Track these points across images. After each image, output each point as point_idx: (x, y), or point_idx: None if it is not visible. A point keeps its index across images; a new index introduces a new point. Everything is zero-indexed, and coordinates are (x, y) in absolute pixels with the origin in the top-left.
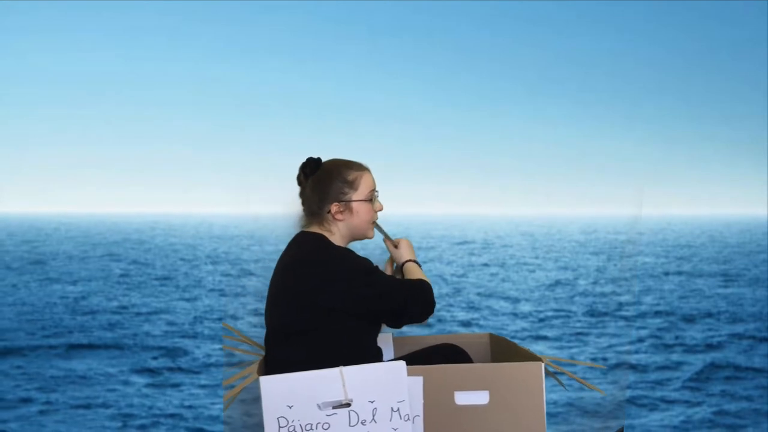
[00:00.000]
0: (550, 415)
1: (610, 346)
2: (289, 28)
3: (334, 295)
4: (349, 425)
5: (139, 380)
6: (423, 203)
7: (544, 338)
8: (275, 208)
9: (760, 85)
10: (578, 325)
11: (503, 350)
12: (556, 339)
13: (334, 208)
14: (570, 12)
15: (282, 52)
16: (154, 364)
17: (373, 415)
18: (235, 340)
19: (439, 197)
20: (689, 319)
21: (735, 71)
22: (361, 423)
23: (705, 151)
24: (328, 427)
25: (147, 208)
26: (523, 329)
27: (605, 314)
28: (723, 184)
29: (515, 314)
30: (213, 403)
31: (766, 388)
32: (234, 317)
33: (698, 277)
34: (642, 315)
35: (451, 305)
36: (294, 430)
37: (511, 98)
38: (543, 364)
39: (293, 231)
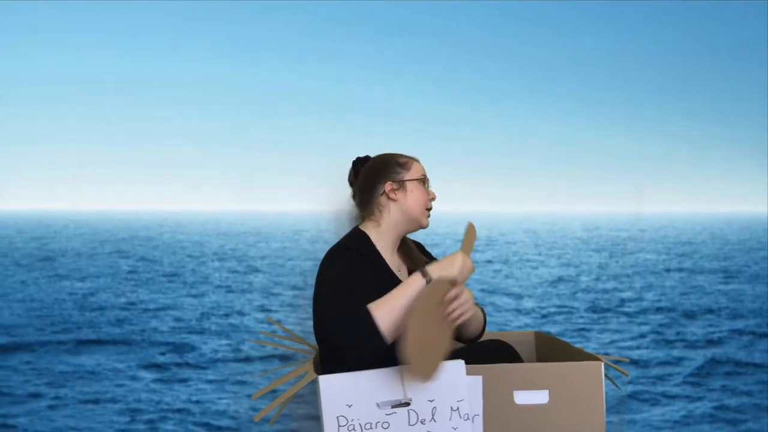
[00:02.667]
0: None
1: (611, 342)
2: (292, 27)
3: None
4: (409, 424)
5: (147, 375)
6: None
7: (547, 334)
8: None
9: (760, 85)
10: (581, 321)
11: (551, 348)
12: (559, 335)
13: (388, 186)
14: (571, 12)
15: (285, 52)
16: (161, 359)
17: (433, 415)
18: (279, 337)
19: (443, 194)
20: (690, 315)
21: (735, 71)
22: (421, 422)
23: (706, 150)
24: (388, 426)
25: (155, 206)
26: (527, 325)
27: (607, 310)
28: (723, 181)
29: (518, 310)
30: (220, 398)
31: (766, 384)
32: (241, 313)
33: (699, 273)
34: (643, 311)
35: None
36: (353, 428)
37: (513, 97)
38: (602, 364)
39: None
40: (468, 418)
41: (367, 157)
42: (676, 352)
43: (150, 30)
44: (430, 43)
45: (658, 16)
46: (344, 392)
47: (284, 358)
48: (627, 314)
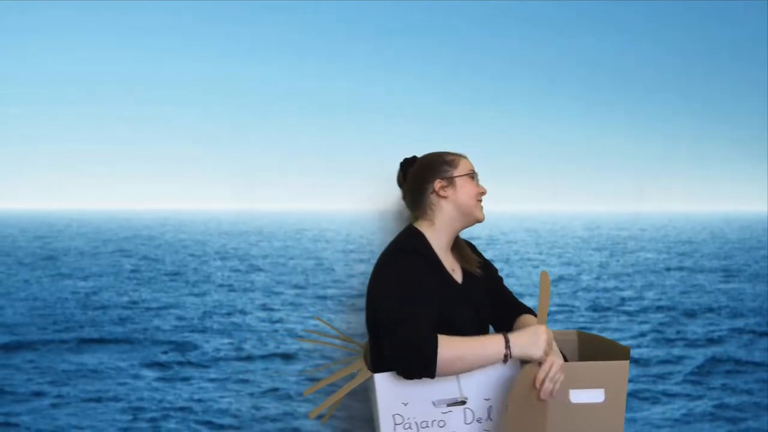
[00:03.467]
0: None
1: None
2: (296, 28)
3: (370, 302)
4: (465, 423)
5: (150, 374)
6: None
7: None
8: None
9: (760, 84)
10: (581, 319)
11: (591, 347)
12: None
13: (437, 184)
14: (572, 12)
15: (289, 52)
16: (163, 358)
17: (489, 413)
18: (327, 336)
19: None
20: (690, 314)
21: (735, 70)
22: (477, 421)
23: (706, 149)
24: (444, 424)
25: (157, 205)
26: None
27: (608, 309)
28: (723, 181)
29: None
30: (222, 397)
31: (766, 382)
32: (243, 312)
33: (699, 272)
34: (644, 310)
35: None
36: (409, 427)
37: (514, 97)
38: (627, 362)
39: (395, 227)
40: None
41: (414, 158)
42: (676, 351)
43: (154, 30)
44: (430, 43)
45: (658, 16)
46: (400, 390)
47: (331, 357)
48: (627, 313)
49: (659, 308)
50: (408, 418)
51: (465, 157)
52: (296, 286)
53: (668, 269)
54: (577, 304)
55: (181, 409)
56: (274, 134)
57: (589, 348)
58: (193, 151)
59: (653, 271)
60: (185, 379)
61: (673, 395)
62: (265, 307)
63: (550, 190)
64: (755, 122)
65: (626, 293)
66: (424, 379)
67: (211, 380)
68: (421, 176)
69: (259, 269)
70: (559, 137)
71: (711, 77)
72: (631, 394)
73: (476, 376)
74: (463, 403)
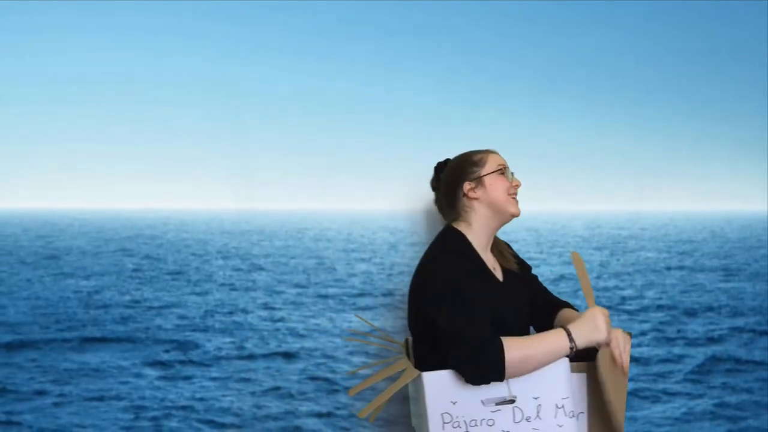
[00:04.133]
0: None
1: None
2: (298, 28)
3: (417, 302)
4: (514, 421)
5: (151, 373)
6: (430, 198)
7: None
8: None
9: (760, 84)
10: None
11: None
12: None
13: (466, 186)
14: (572, 12)
15: (291, 52)
16: (165, 357)
17: (538, 412)
18: (371, 335)
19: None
20: (691, 313)
21: (735, 70)
22: (526, 419)
23: (706, 148)
24: (493, 423)
25: (159, 204)
26: None
27: (608, 308)
28: (724, 180)
29: None
30: (224, 395)
31: (766, 381)
32: (245, 311)
33: (699, 271)
34: (644, 309)
35: None
36: (458, 426)
37: (515, 97)
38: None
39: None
40: (573, 416)
41: (446, 161)
42: (676, 350)
43: (155, 30)
44: (431, 43)
45: (659, 16)
46: (449, 389)
47: (371, 356)
48: (628, 312)
49: (660, 307)
50: (457, 417)
51: (494, 153)
52: (297, 285)
53: (669, 268)
54: (577, 303)
55: (183, 407)
56: (276, 134)
57: None
58: (195, 151)
59: (654, 270)
60: (187, 378)
61: (673, 394)
62: (266, 306)
63: (551, 190)
64: (755, 122)
65: (627, 292)
66: None
67: (213, 379)
68: (451, 180)
69: (261, 268)
70: (559, 137)
71: (711, 77)
72: (632, 393)
73: (525, 375)
74: (512, 401)
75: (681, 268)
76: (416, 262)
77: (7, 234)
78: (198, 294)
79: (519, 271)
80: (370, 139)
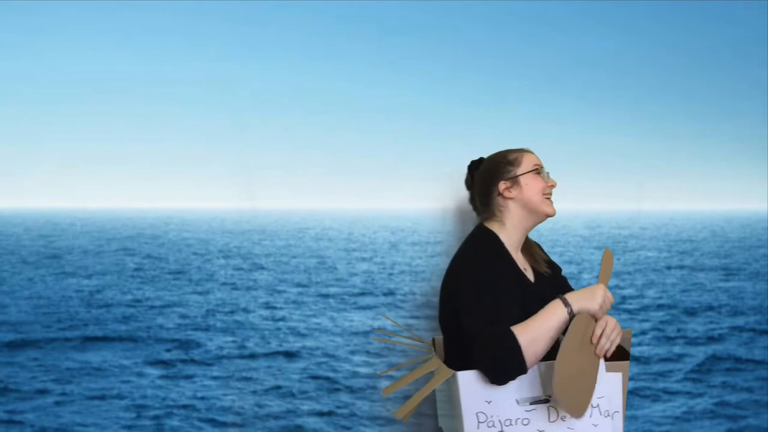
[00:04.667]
0: None
1: None
2: (300, 27)
3: (447, 300)
4: (549, 421)
5: (153, 372)
6: (431, 199)
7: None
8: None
9: (761, 83)
10: None
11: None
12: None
13: (502, 186)
14: (573, 12)
15: (294, 51)
16: (167, 356)
17: None
18: (398, 335)
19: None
20: (691, 312)
21: (736, 69)
22: (561, 419)
23: (706, 147)
24: (528, 422)
25: (161, 203)
26: None
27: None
28: (724, 179)
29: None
30: (225, 394)
31: (766, 380)
32: (246, 310)
33: (700, 271)
34: (645, 308)
35: None
36: (493, 425)
37: (516, 96)
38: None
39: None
40: (608, 415)
41: (481, 160)
42: (677, 349)
43: (157, 29)
44: (432, 43)
45: (660, 15)
46: (483, 388)
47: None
48: (628, 311)
49: (660, 306)
50: (491, 416)
51: (529, 152)
52: (299, 285)
53: (669, 268)
54: None
55: (185, 406)
56: (278, 133)
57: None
58: (196, 150)
59: (654, 269)
60: (188, 377)
61: (673, 393)
62: (267, 306)
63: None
64: (756, 121)
65: (627, 291)
66: None
67: (214, 378)
68: (485, 180)
69: (262, 267)
70: (559, 135)
71: (711, 75)
72: (632, 392)
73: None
74: (547, 401)
75: (681, 267)
76: (417, 261)
77: (9, 233)
78: (199, 293)
79: (549, 272)
80: (373, 138)
